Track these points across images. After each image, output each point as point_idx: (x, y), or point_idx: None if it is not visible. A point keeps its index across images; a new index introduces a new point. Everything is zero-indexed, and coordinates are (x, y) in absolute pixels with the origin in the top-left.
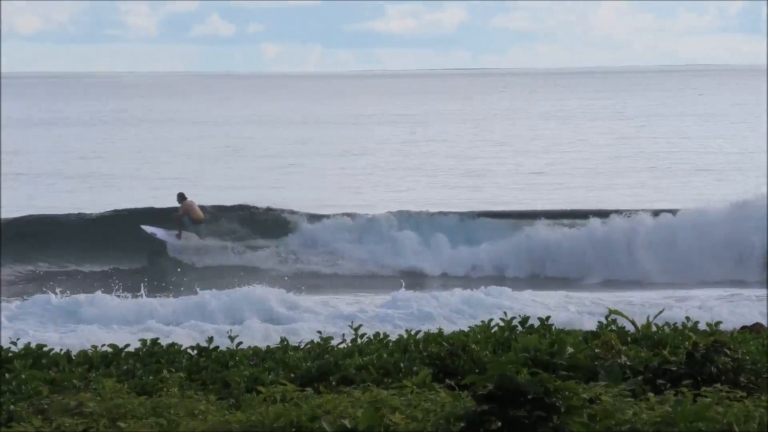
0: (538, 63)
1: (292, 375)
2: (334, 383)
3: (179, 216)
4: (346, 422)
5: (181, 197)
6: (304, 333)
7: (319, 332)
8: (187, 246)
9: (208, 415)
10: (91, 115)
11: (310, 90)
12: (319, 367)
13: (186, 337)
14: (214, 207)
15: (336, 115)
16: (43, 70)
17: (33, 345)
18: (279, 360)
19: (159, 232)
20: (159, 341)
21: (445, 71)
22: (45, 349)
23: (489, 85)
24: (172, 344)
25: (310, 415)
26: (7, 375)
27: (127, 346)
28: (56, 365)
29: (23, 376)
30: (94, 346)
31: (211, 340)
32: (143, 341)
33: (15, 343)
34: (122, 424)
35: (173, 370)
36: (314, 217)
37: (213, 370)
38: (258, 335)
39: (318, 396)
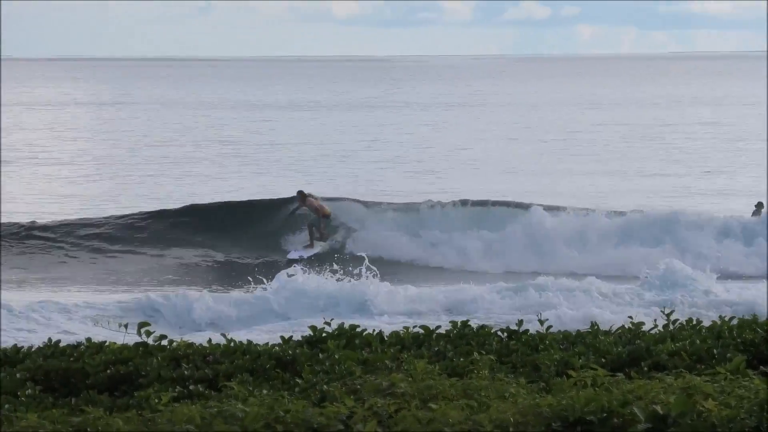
0: None
1: (603, 360)
2: (645, 369)
3: (316, 215)
4: (658, 408)
5: (302, 195)
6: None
7: (630, 317)
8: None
9: (518, 398)
10: (374, 98)
11: (623, 72)
12: (631, 352)
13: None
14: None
15: (640, 97)
16: (355, 54)
17: (346, 325)
18: (589, 344)
19: (304, 253)
20: (470, 323)
21: (763, 53)
22: (358, 329)
23: None
24: (482, 326)
25: (621, 401)
26: (320, 355)
27: (438, 327)
28: (368, 345)
29: (336, 356)
30: (406, 328)
31: (521, 323)
32: (453, 323)
33: (329, 323)
34: (433, 406)
35: (483, 353)
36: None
37: (523, 353)
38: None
39: (629, 381)
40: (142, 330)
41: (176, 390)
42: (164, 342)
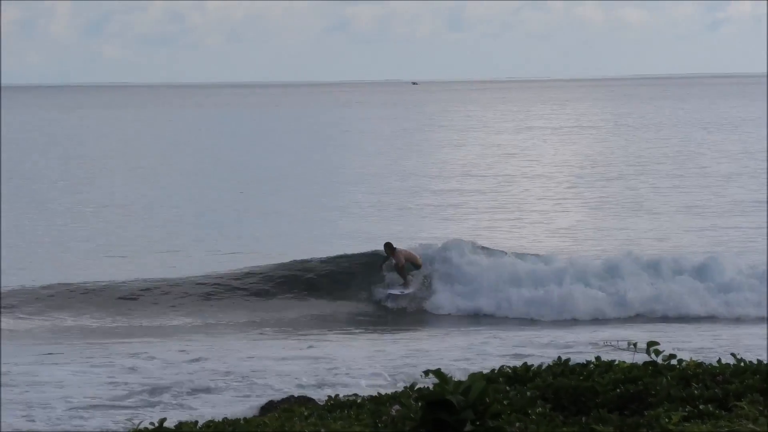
0: None
1: None
2: None
3: (401, 265)
4: None
5: (390, 247)
6: None
7: None
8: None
9: None
10: None
11: None
12: None
13: None
14: None
15: None
16: None
17: None
18: None
19: (398, 290)
20: None
21: None
22: None
23: None
24: None
25: None
26: None
27: None
28: None
29: None
30: None
31: None
32: None
33: None
34: None
35: None
36: None
37: None
38: None
39: None
40: (651, 349)
41: (686, 409)
42: (673, 361)
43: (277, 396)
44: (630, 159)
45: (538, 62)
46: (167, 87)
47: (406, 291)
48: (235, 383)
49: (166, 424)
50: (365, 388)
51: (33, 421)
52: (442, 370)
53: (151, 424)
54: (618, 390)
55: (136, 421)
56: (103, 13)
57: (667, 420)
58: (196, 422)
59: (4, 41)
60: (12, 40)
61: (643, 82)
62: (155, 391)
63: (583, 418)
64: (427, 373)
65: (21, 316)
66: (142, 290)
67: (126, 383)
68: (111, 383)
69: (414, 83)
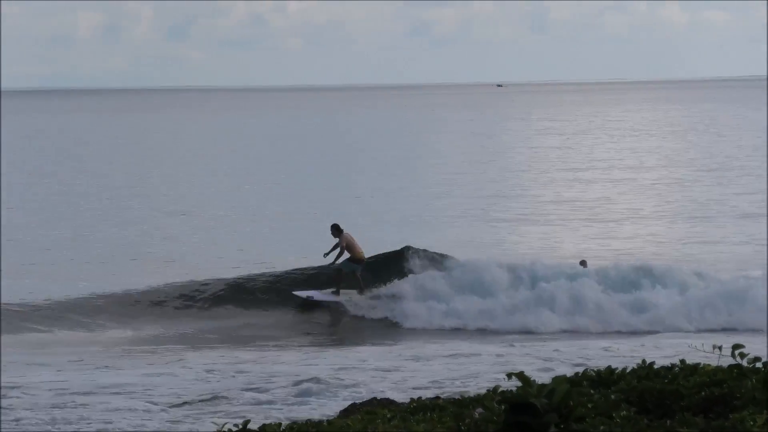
0: None
1: None
2: None
3: (342, 248)
4: None
5: (337, 229)
6: None
7: None
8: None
9: None
10: None
11: None
12: None
13: None
14: None
15: None
16: None
17: None
18: None
19: (315, 294)
20: None
21: None
22: None
23: None
24: None
25: None
26: None
27: None
28: None
29: None
30: None
31: None
32: None
33: None
34: None
35: None
36: None
37: None
38: None
39: None
40: (736, 352)
41: None
42: (758, 364)
43: (360, 398)
44: None
45: (621, 64)
46: (249, 90)
47: (324, 297)
48: (316, 386)
49: (249, 426)
50: (432, 394)
51: (110, 424)
52: (525, 373)
53: (235, 425)
54: (703, 393)
55: (220, 422)
56: (186, 17)
57: (751, 423)
58: (280, 424)
59: (87, 46)
60: (96, 45)
61: (731, 84)
62: (233, 395)
63: (668, 422)
64: (510, 375)
65: (86, 324)
66: (219, 293)
67: (206, 386)
68: (191, 388)
69: (499, 85)
